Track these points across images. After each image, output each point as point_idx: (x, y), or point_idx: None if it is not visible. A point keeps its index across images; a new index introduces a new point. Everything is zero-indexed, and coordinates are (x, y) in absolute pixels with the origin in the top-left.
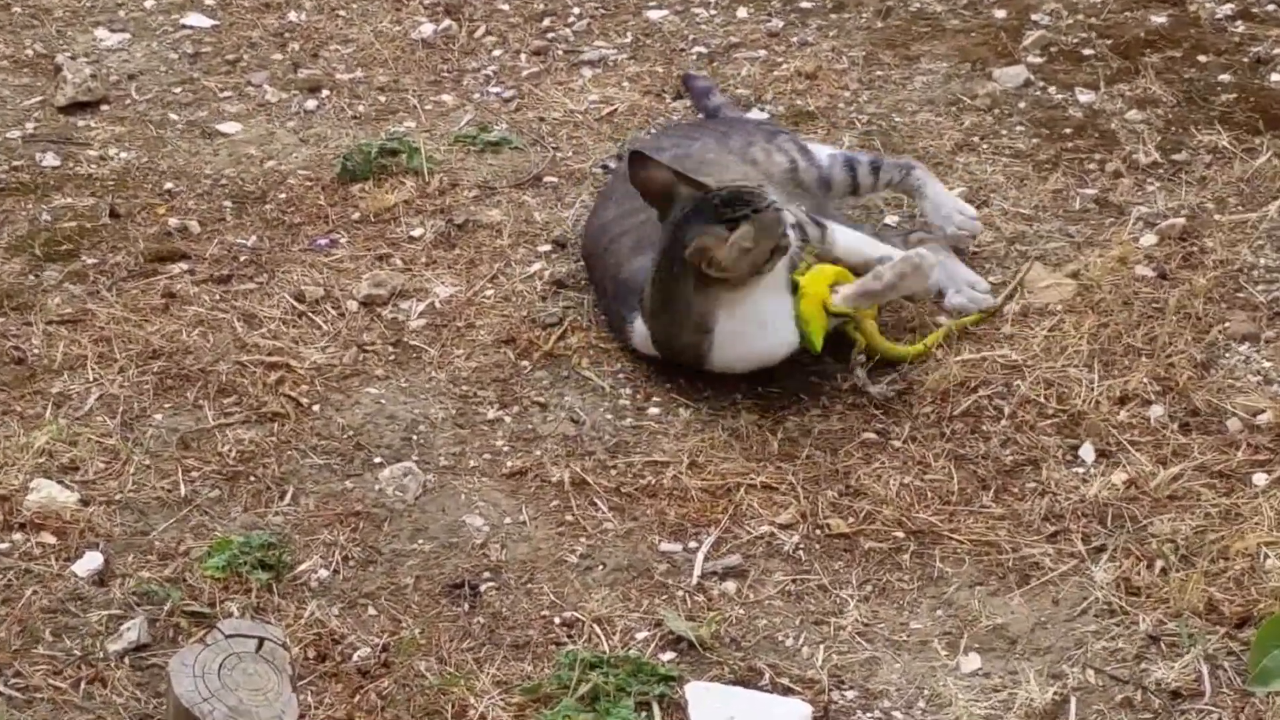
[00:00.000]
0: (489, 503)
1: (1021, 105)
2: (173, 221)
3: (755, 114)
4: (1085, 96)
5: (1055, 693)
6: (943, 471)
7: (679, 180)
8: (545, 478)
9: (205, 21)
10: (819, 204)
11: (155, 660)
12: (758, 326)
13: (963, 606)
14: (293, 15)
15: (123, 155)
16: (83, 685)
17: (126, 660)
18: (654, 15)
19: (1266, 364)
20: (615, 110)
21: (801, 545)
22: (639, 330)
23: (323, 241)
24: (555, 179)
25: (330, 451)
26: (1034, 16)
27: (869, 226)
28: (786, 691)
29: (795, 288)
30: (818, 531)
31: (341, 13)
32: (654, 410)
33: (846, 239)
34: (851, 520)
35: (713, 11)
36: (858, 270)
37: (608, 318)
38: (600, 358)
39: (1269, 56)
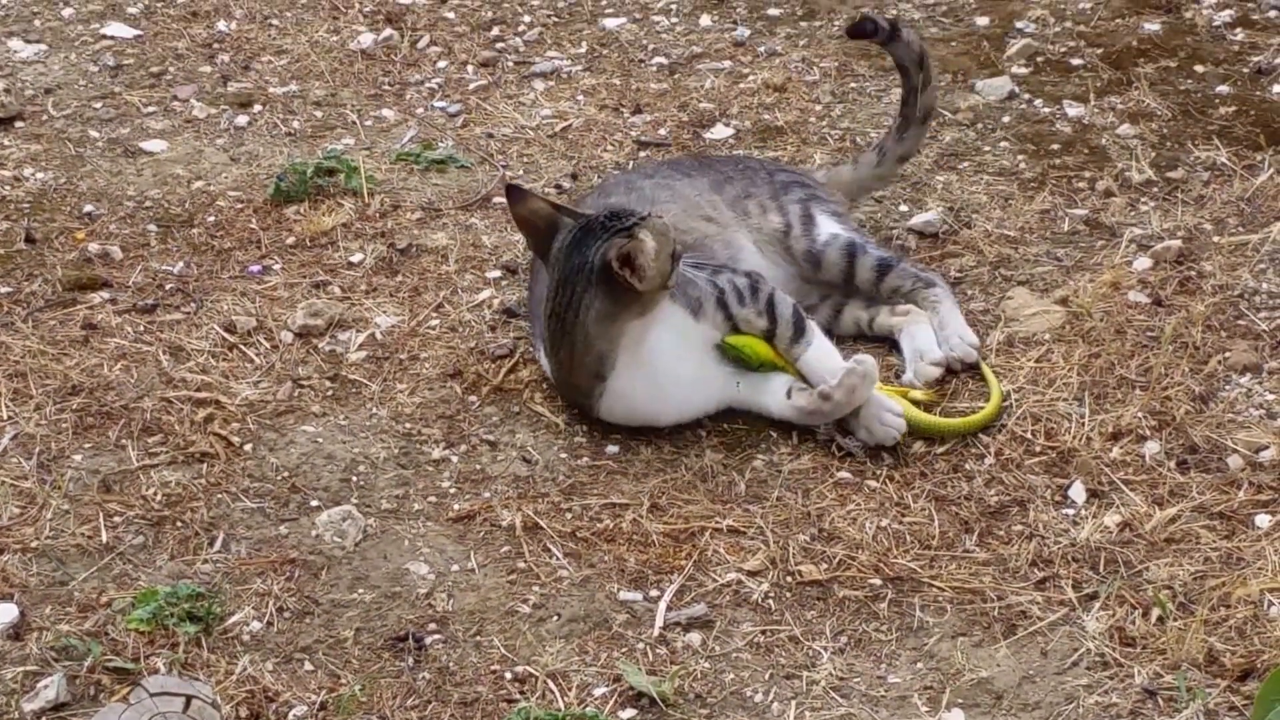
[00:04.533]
0: (434, 549)
1: (1006, 119)
2: (93, 247)
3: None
4: (1074, 110)
5: None
6: (923, 514)
7: (558, 212)
8: (495, 522)
9: (127, 31)
10: (801, 280)
11: None
12: (654, 385)
13: (945, 659)
14: (222, 25)
15: (39, 175)
16: None
17: None
18: (611, 23)
19: (1269, 396)
20: (570, 126)
21: (771, 594)
22: (543, 358)
23: (255, 268)
24: (504, 200)
25: (263, 494)
26: (1019, 24)
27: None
28: None
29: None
30: (788, 579)
31: (275, 22)
32: (612, 449)
33: (815, 360)
34: (825, 566)
35: (674, 19)
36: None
37: (530, 325)
38: (554, 392)
39: (1270, 66)
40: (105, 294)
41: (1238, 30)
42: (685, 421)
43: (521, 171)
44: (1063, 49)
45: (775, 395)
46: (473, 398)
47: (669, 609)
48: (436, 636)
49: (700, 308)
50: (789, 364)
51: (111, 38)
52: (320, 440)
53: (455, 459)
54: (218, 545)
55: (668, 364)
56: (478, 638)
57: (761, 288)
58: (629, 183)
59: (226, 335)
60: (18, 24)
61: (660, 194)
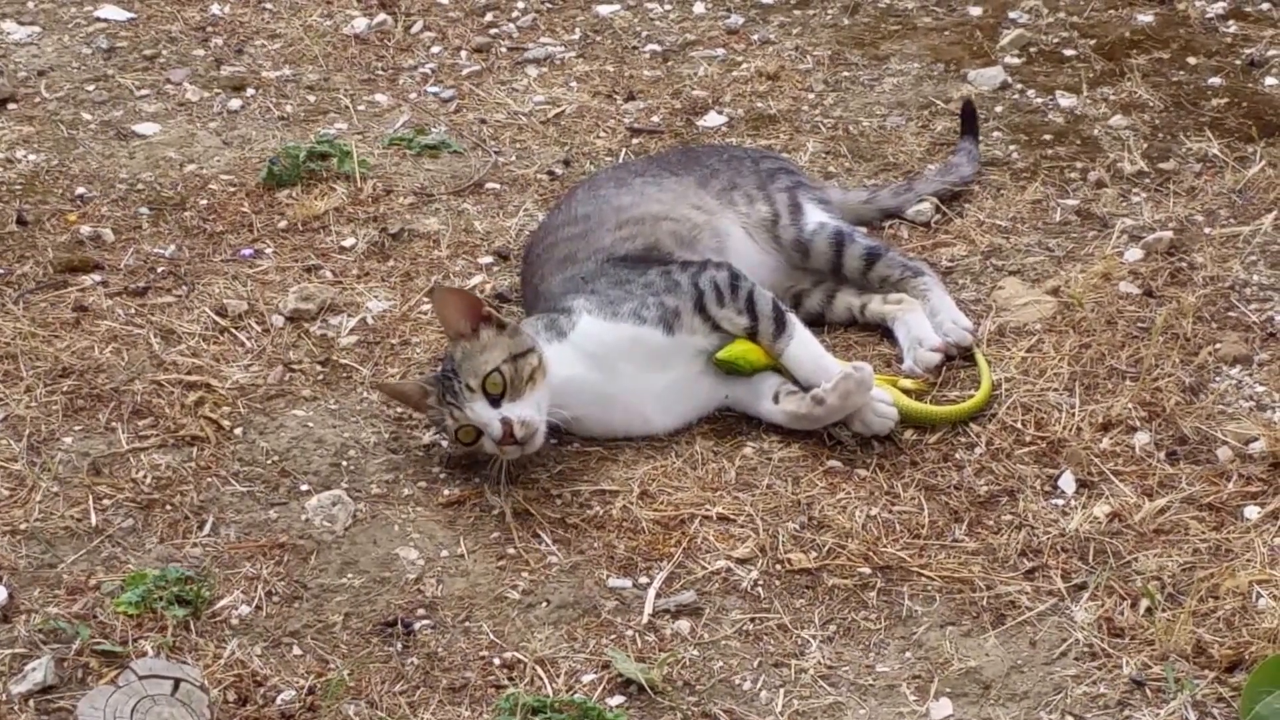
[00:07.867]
0: (424, 534)
1: (998, 109)
2: (85, 229)
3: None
4: (1066, 100)
5: None
6: (912, 503)
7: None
8: (485, 507)
9: (121, 14)
10: (790, 268)
11: (62, 703)
12: (624, 409)
13: (933, 648)
14: (215, 8)
15: (31, 158)
16: None
17: (31, 703)
18: (604, 10)
19: (1259, 388)
20: (562, 112)
21: (760, 581)
22: None
23: (247, 252)
24: (497, 185)
25: (253, 478)
26: (1012, 14)
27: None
28: None
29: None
30: (778, 567)
31: (268, 6)
32: None
33: (799, 352)
34: (814, 555)
35: (667, 6)
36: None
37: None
38: None
39: (1263, 59)
40: (97, 276)
41: (1230, 22)
42: (677, 428)
43: (514, 157)
44: (1055, 39)
45: (764, 400)
46: None
47: (658, 596)
48: (425, 622)
49: (677, 318)
50: (775, 359)
51: (105, 20)
52: (311, 424)
53: (445, 444)
54: (207, 529)
55: (630, 388)
56: (466, 623)
57: (740, 285)
58: (619, 179)
59: (218, 319)
60: (11, 5)
61: (649, 189)
